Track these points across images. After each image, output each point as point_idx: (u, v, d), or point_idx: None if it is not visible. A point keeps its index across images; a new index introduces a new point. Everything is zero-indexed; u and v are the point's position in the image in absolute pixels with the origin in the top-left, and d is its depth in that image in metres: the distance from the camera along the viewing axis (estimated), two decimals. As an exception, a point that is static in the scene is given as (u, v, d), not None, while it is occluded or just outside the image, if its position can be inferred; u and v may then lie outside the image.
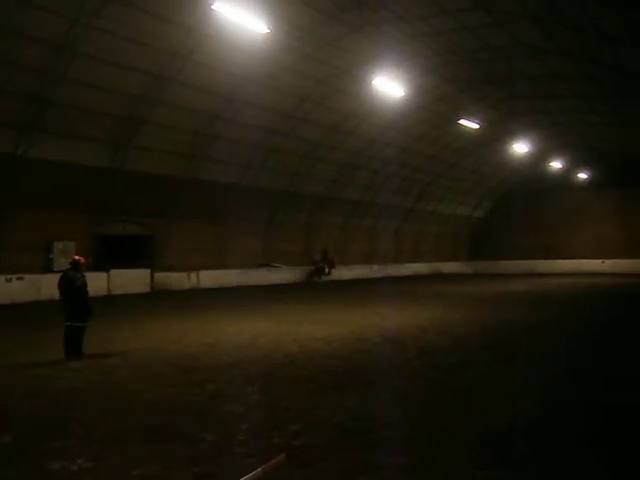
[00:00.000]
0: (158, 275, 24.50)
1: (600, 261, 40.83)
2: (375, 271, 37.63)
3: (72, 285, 8.73)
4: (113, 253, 22.78)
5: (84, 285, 8.85)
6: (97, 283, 19.79)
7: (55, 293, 9.53)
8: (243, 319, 14.15)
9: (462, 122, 27.56)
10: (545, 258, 43.14)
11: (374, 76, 20.06)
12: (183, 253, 25.97)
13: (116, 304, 18.39)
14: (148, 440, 4.87)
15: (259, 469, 2.93)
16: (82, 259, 9.27)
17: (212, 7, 13.92)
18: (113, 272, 22.41)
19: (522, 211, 44.29)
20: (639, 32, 14.53)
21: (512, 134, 32.46)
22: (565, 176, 41.72)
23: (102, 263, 22.12)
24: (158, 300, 20.57)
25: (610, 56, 17.79)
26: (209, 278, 26.67)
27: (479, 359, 8.62)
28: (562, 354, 9.15)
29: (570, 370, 7.94)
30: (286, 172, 29.24)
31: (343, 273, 34.72)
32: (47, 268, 20.23)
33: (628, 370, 7.95)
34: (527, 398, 6.23)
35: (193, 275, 26.13)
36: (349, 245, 36.66)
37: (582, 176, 41.31)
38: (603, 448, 4.66)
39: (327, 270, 31.71)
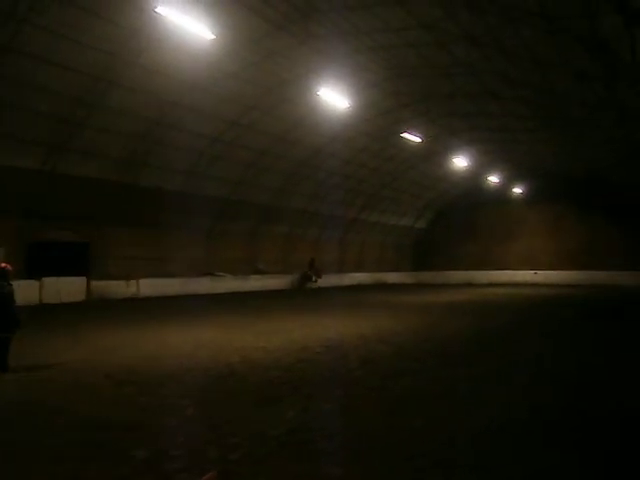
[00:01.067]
0: (95, 283, 23.58)
1: (533, 272, 42.77)
2: (320, 281, 37.74)
3: (-2, 294, 8.25)
4: (47, 260, 21.73)
5: (11, 294, 8.38)
6: (28, 292, 18.87)
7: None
8: (184, 329, 13.82)
9: (405, 136, 28.25)
10: (482, 269, 44.72)
11: (320, 87, 20.27)
12: (123, 261, 25.16)
13: (49, 314, 17.53)
14: (78, 458, 4.65)
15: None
16: (9, 266, 8.77)
17: (156, 10, 13.68)
18: (46, 280, 21.37)
19: (462, 223, 46.07)
20: (568, 57, 15.41)
21: (452, 148, 33.62)
22: (501, 190, 43.52)
23: (35, 271, 21.08)
24: (94, 309, 19.78)
25: (541, 79, 18.77)
26: (149, 287, 25.92)
27: (419, 367, 8.78)
28: (498, 360, 9.45)
29: (503, 373, 8.21)
30: (231, 180, 28.97)
31: (286, 282, 34.67)
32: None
33: (545, 363, 8.34)
34: (465, 405, 6.42)
35: (132, 283, 25.31)
36: (294, 255, 36.65)
37: (517, 191, 43.18)
38: (525, 452, 4.85)
39: (314, 278, 34.09)
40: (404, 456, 4.74)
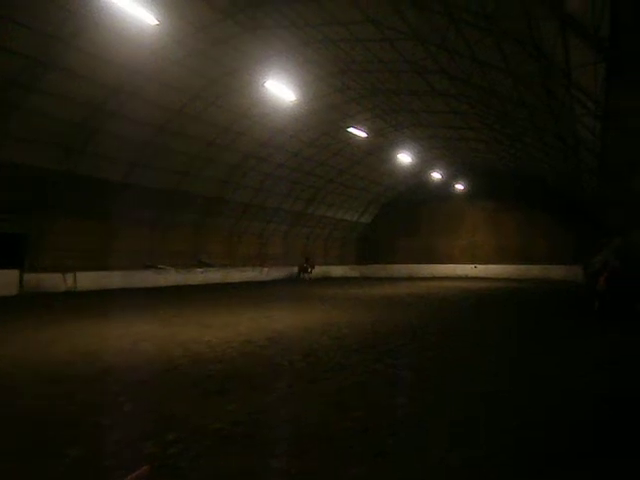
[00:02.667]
0: (29, 276, 22.52)
1: (473, 266, 44.33)
2: (266, 274, 37.66)
3: None
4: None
5: None
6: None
7: None
8: (124, 323, 13.41)
9: (351, 130, 28.49)
10: (425, 263, 45.94)
11: (267, 79, 20.09)
12: (60, 253, 24.13)
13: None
14: (9, 458, 4.44)
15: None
16: None
17: (95, -8, 13.15)
18: (-26, 273, 20.27)
19: (406, 217, 47.07)
20: (508, 58, 15.97)
21: (397, 144, 34.21)
22: (444, 186, 44.71)
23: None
24: (27, 303, 18.87)
25: (483, 79, 19.38)
26: (88, 280, 25.01)
27: (361, 358, 8.91)
28: (440, 350, 9.73)
29: (440, 364, 8.47)
30: (176, 171, 28.31)
31: (233, 275, 34.38)
32: None
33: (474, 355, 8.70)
34: (405, 395, 6.58)
35: (69, 276, 24.35)
36: (239, 247, 36.35)
37: (459, 187, 44.48)
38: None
39: (309, 270, 38.84)
40: (345, 446, 4.82)
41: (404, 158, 34.05)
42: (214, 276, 32.87)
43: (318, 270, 43.14)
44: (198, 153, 28.23)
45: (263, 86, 20.73)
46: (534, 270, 40.59)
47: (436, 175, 42.06)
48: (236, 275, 34.77)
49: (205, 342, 10.60)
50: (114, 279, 26.26)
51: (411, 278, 42.23)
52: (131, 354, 9.30)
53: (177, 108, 24.44)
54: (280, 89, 20.46)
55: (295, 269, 40.51)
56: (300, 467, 4.37)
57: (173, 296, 22.81)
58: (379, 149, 36.01)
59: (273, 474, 4.29)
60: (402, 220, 47.41)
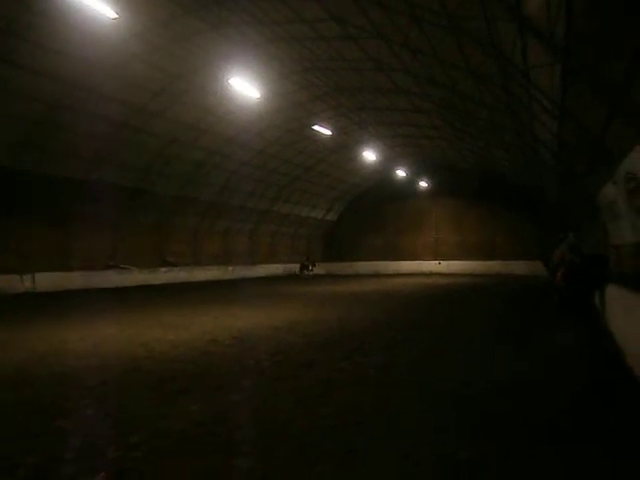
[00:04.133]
0: (-17, 278, 21.76)
1: (437, 262, 45.06)
2: (231, 272, 37.36)
3: None
4: None
5: None
6: None
7: None
8: (86, 325, 13.10)
9: (316, 128, 28.51)
10: (390, 259, 46.41)
11: (231, 76, 19.89)
12: (18, 253, 23.36)
13: None
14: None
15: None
16: None
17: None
18: None
19: (371, 215, 47.45)
20: (468, 58, 16.26)
21: (362, 142, 34.42)
22: (408, 184, 45.23)
23: None
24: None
25: (445, 78, 19.68)
26: (47, 281, 24.33)
27: (328, 356, 8.95)
28: (405, 346, 9.85)
29: (407, 360, 8.58)
30: (138, 169, 27.77)
31: (198, 275, 33.99)
32: None
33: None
34: (372, 392, 6.64)
35: (28, 277, 23.62)
36: (204, 246, 35.95)
37: (423, 184, 45.07)
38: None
39: (310, 267, 40.88)
40: (312, 444, 4.83)
41: (369, 156, 34.28)
42: (179, 275, 32.43)
43: (282, 269, 43.17)
44: (162, 150, 27.77)
45: (227, 83, 20.52)
46: (497, 266, 41.53)
47: (401, 173, 42.52)
48: (201, 274, 34.40)
49: (169, 342, 10.46)
50: (75, 280, 25.62)
51: (377, 275, 42.62)
52: (92, 356, 9.10)
53: (140, 104, 23.97)
54: (244, 86, 20.29)
55: (268, 267, 40.63)
56: (266, 467, 4.36)
57: (136, 296, 22.41)
58: (344, 147, 36.17)
59: (238, 475, 4.27)
60: (368, 217, 47.77)
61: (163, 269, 31.67)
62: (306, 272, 41.09)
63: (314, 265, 41.46)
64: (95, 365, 8.39)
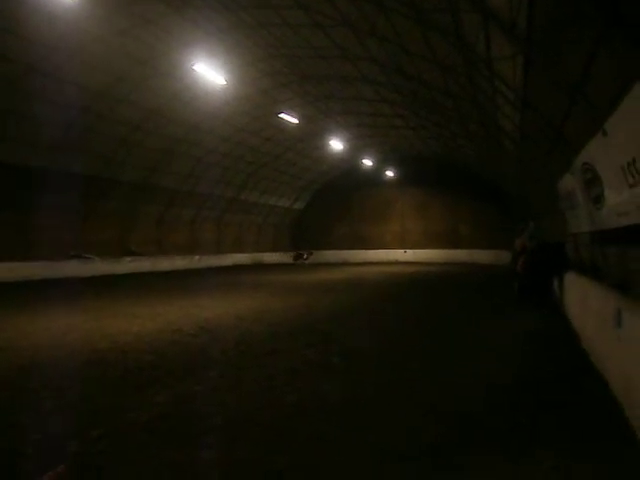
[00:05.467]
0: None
1: (403, 251, 45.60)
2: (197, 262, 36.95)
3: None
4: None
5: None
6: None
7: None
8: (47, 316, 12.78)
9: (282, 116, 28.31)
10: (358, 248, 46.71)
11: (196, 62, 19.54)
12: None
13: None
14: None
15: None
16: None
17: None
18: None
19: (339, 204, 47.55)
20: (434, 48, 16.39)
21: (329, 131, 34.37)
22: (375, 173, 45.47)
23: None
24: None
25: (411, 68, 19.79)
26: (6, 271, 23.57)
27: (293, 345, 8.99)
28: (371, 334, 9.97)
29: (370, 348, 8.70)
30: (101, 156, 27.05)
31: (163, 264, 33.50)
32: None
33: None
34: (336, 380, 6.71)
35: (-16, 268, 22.86)
36: (169, 235, 35.40)
37: (389, 173, 45.38)
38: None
39: (305, 256, 42.77)
40: (277, 432, 4.87)
41: (336, 145, 34.30)
42: (143, 265, 31.89)
43: (249, 258, 43.00)
44: (125, 137, 27.11)
45: (192, 69, 20.15)
46: (461, 254, 42.30)
47: (367, 162, 42.70)
48: (167, 264, 33.90)
49: (134, 333, 10.32)
50: (36, 270, 24.92)
51: (344, 264, 42.89)
52: (54, 348, 8.90)
53: (102, 89, 23.29)
54: (209, 72, 19.97)
55: (234, 257, 40.50)
56: (230, 456, 4.38)
57: (100, 286, 21.96)
58: (311, 135, 36.03)
59: (203, 466, 4.27)
60: (335, 206, 47.87)
61: (127, 258, 31.08)
62: (301, 260, 42.58)
63: (310, 254, 43.35)
64: (57, 357, 8.22)
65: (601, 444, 4.53)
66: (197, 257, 37.15)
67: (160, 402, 5.79)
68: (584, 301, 8.97)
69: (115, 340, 9.58)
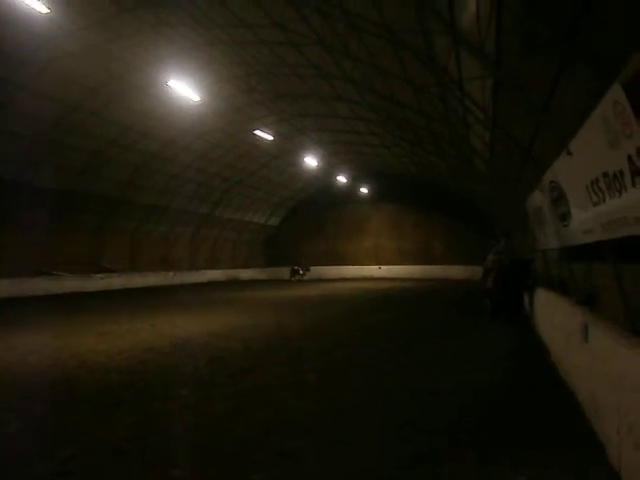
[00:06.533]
0: None
1: (377, 267, 45.86)
2: (171, 278, 36.50)
3: None
4: None
5: None
6: None
7: None
8: (11, 335, 12.43)
9: (257, 133, 28.41)
10: (332, 264, 46.79)
11: (170, 78, 19.53)
12: None
13: None
14: None
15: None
16: None
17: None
18: None
19: (313, 220, 47.67)
20: (407, 69, 16.74)
21: (304, 148, 34.60)
22: (350, 190, 45.82)
23: None
24: None
25: (384, 87, 20.14)
26: (-32, 289, 22.92)
27: (264, 362, 8.93)
28: (343, 351, 9.96)
29: (344, 365, 8.70)
30: (74, 170, 26.66)
31: (136, 281, 32.99)
32: None
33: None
34: (308, 397, 6.69)
35: (-53, 286, 22.16)
36: (143, 251, 34.93)
37: (363, 190, 45.79)
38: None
39: (301, 272, 41.67)
40: (249, 450, 4.82)
41: (311, 162, 34.52)
42: (116, 282, 31.35)
43: (224, 274, 42.67)
44: (98, 152, 26.80)
45: (166, 85, 20.12)
46: (435, 270, 42.72)
47: (342, 179, 43.03)
48: (140, 280, 33.40)
49: (103, 352, 10.12)
50: (2, 287, 24.25)
51: (319, 279, 42.87)
52: (19, 368, 8.66)
53: (74, 103, 23.04)
54: (184, 89, 19.99)
55: (209, 273, 40.06)
56: (203, 475, 4.32)
57: (69, 304, 21.49)
58: (286, 152, 36.20)
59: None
60: (309, 223, 47.97)
61: (99, 275, 30.52)
62: (297, 277, 41.68)
63: (308, 270, 42.22)
64: (22, 377, 7.99)
65: (568, 451, 4.61)
66: (171, 273, 36.71)
67: (130, 422, 5.68)
68: (553, 316, 9.16)
69: (84, 359, 9.37)
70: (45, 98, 21.78)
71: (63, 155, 25.38)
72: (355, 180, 44.64)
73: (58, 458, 4.63)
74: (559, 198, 7.22)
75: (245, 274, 45.37)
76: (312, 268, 43.36)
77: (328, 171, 41.80)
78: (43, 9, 13.97)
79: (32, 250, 26.19)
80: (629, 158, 3.70)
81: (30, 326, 14.16)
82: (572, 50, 5.57)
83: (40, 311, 18.61)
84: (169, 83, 19.60)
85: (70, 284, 28.09)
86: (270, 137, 29.00)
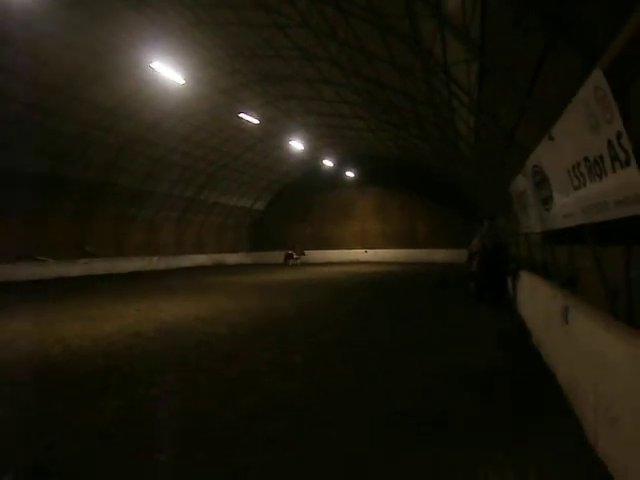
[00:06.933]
0: None
1: (364, 251, 46.03)
2: (156, 263, 36.30)
3: None
4: None
5: None
6: None
7: None
8: (-6, 321, 12.34)
9: (242, 116, 28.14)
10: (319, 249, 46.86)
11: (154, 60, 19.19)
12: None
13: None
14: None
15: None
16: None
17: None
18: None
19: (299, 204, 47.59)
20: (393, 52, 16.65)
21: (289, 131, 34.38)
22: (335, 174, 45.74)
23: None
24: None
25: (370, 70, 20.03)
26: (-50, 275, 22.61)
27: (249, 347, 8.97)
28: (329, 334, 10.04)
29: (329, 348, 8.78)
30: (54, 154, 26.23)
31: (121, 266, 32.78)
32: None
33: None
34: (295, 380, 6.75)
35: None
36: (128, 236, 34.64)
37: (349, 174, 45.73)
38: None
39: (295, 256, 41.95)
40: (235, 435, 4.86)
41: (296, 145, 34.33)
42: (100, 267, 31.11)
43: (210, 259, 42.54)
44: (79, 134, 26.37)
45: (150, 67, 19.78)
46: (421, 254, 42.98)
47: (328, 163, 42.90)
48: (124, 265, 33.18)
49: (89, 336, 10.08)
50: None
51: (305, 264, 42.91)
52: (3, 353, 8.61)
53: (53, 85, 22.57)
54: (168, 71, 19.68)
55: (195, 258, 39.85)
56: (189, 459, 4.36)
57: (53, 289, 21.31)
58: (272, 136, 35.95)
59: (162, 469, 4.23)
60: (296, 207, 47.88)
61: (83, 260, 30.25)
62: (291, 261, 41.94)
63: (302, 254, 42.58)
64: (6, 363, 7.94)
65: (547, 430, 4.73)
66: (156, 258, 36.50)
67: (115, 407, 5.69)
68: (535, 299, 9.31)
69: (68, 344, 9.33)
70: (22, 80, 21.29)
71: (43, 139, 24.90)
72: (341, 164, 44.55)
73: (40, 445, 4.63)
74: (542, 182, 7.29)
75: (231, 259, 45.29)
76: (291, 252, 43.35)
77: (314, 155, 41.64)
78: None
79: (14, 235, 25.86)
80: (609, 143, 3.75)
81: (13, 312, 14.04)
82: (556, 35, 5.59)
83: (23, 297, 18.44)
84: (152, 65, 19.27)
85: (54, 269, 27.83)
86: (255, 120, 28.75)
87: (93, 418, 5.33)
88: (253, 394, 6.11)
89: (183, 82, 21.40)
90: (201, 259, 41.63)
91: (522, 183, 9.30)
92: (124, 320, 12.29)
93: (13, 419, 5.41)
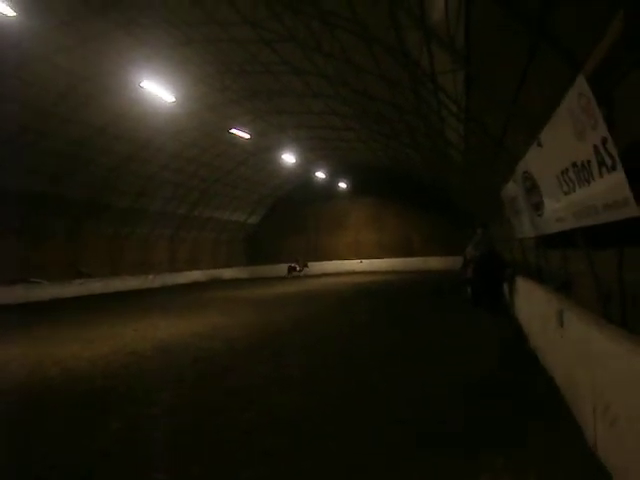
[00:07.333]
0: None
1: (359, 261, 46.08)
2: (151, 281, 36.16)
3: None
4: None
5: None
6: None
7: None
8: (-10, 345, 12.24)
9: (234, 131, 28.26)
10: (314, 260, 46.84)
11: (144, 79, 19.29)
12: None
13: None
14: None
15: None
16: None
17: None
18: None
19: (293, 217, 47.66)
20: (380, 64, 16.83)
21: (281, 145, 34.52)
22: (328, 185, 45.90)
23: None
24: None
25: (357, 82, 20.23)
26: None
27: (246, 361, 8.94)
28: (327, 346, 10.03)
29: (326, 361, 8.77)
30: (46, 174, 26.20)
31: (116, 285, 32.63)
32: None
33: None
34: (292, 394, 6.73)
35: None
36: (122, 255, 34.52)
37: (342, 186, 45.90)
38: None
39: (298, 269, 42.37)
40: (233, 450, 4.85)
41: (288, 159, 34.47)
42: (95, 287, 30.97)
43: (205, 275, 42.44)
44: (72, 154, 26.37)
45: (140, 86, 19.86)
46: (416, 262, 43.06)
47: (320, 175, 43.08)
48: (119, 284, 33.04)
49: (86, 358, 10.03)
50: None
51: (300, 276, 42.88)
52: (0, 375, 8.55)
53: (43, 107, 22.62)
54: (157, 90, 19.77)
55: (190, 274, 39.87)
56: (189, 476, 4.34)
57: (48, 311, 21.17)
58: (263, 150, 36.10)
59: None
60: (290, 220, 47.96)
61: (78, 281, 30.11)
62: (294, 273, 42.21)
63: (306, 266, 42.82)
64: (3, 385, 7.89)
65: (547, 432, 4.74)
66: (151, 276, 36.38)
67: (114, 428, 5.66)
68: (530, 303, 9.35)
69: (66, 366, 9.28)
70: (11, 102, 21.33)
71: (35, 159, 24.90)
72: (333, 175, 44.73)
73: (43, 466, 4.62)
74: (532, 188, 7.37)
75: (227, 273, 45.20)
76: (294, 264, 43.34)
77: (306, 167, 41.81)
78: (9, 12, 13.70)
79: (7, 256, 25.74)
80: (595, 148, 3.82)
81: (9, 335, 13.94)
82: (540, 42, 5.69)
83: (19, 320, 18.31)
84: (142, 84, 19.37)
85: (49, 291, 27.66)
86: (247, 135, 28.87)
87: (93, 439, 5.30)
88: (251, 409, 6.09)
89: (173, 100, 21.49)
90: (196, 275, 41.51)
91: (513, 189, 9.39)
92: (121, 340, 12.23)
93: (12, 441, 5.36)
